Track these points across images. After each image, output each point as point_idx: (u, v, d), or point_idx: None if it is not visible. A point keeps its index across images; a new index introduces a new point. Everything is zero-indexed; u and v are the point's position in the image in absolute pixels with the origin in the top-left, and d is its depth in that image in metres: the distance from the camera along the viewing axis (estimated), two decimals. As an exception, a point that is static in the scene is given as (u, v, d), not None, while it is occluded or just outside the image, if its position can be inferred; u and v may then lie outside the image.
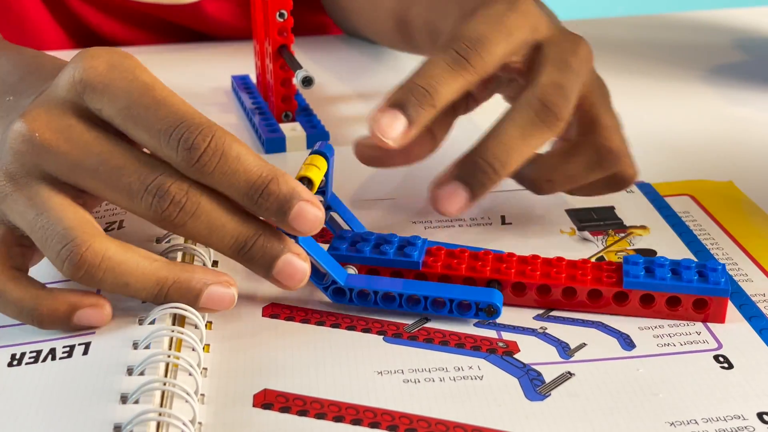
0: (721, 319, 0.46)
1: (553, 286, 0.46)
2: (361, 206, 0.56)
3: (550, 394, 0.41)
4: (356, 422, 0.40)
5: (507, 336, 0.45)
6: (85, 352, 0.42)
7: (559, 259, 0.48)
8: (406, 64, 0.75)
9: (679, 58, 0.81)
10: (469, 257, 0.48)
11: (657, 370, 0.43)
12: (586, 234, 0.54)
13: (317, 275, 0.46)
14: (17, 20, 0.83)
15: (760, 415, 0.40)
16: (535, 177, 0.52)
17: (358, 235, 0.49)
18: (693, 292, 0.46)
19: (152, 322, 0.43)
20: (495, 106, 0.54)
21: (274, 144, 0.63)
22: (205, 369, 0.43)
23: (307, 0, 0.88)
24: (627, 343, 0.45)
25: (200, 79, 0.76)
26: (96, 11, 0.85)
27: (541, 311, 0.47)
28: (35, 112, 0.43)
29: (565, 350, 0.44)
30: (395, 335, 0.45)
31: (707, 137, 0.67)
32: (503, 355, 0.44)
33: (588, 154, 0.51)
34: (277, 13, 0.62)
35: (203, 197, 0.42)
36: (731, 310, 0.47)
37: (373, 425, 0.40)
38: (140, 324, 0.44)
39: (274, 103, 0.65)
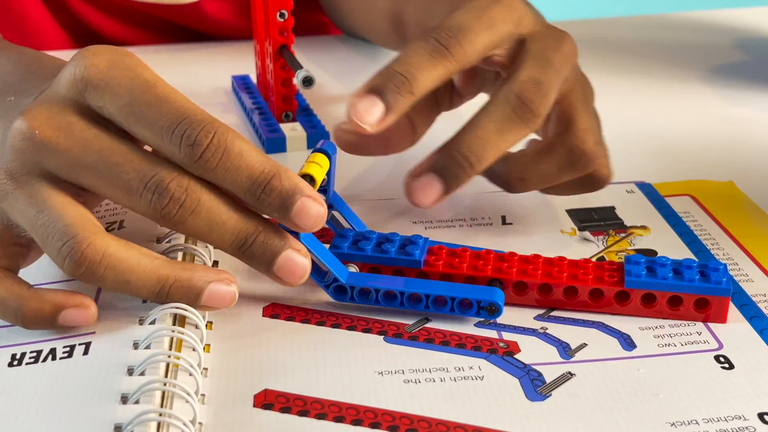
0: (722, 319, 0.46)
1: (554, 285, 0.46)
2: (363, 205, 0.56)
3: (550, 395, 0.41)
4: (357, 422, 0.40)
5: (508, 336, 0.45)
6: (86, 352, 0.42)
7: (561, 259, 0.48)
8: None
9: (679, 58, 0.81)
10: (471, 256, 0.48)
11: (658, 370, 0.43)
12: (587, 234, 0.54)
13: (319, 273, 0.46)
14: (17, 20, 0.83)
15: (761, 416, 0.40)
16: (509, 175, 0.52)
17: (360, 234, 0.49)
18: (695, 291, 0.45)
19: (153, 322, 0.43)
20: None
21: (275, 144, 0.63)
22: (206, 369, 0.42)
23: (307, 0, 0.88)
24: (628, 343, 0.45)
25: (200, 79, 0.76)
26: (96, 11, 0.84)
27: (541, 311, 0.47)
28: (36, 110, 0.43)
29: (566, 350, 0.44)
30: (396, 335, 0.45)
31: (707, 137, 0.67)
32: (504, 355, 0.44)
33: (561, 154, 0.51)
34: (278, 13, 0.62)
35: (203, 194, 0.42)
36: (732, 310, 0.47)
37: (373, 425, 0.40)
38: (141, 324, 0.44)
39: (274, 103, 0.65)
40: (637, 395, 0.41)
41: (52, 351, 0.43)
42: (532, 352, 0.44)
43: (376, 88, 0.48)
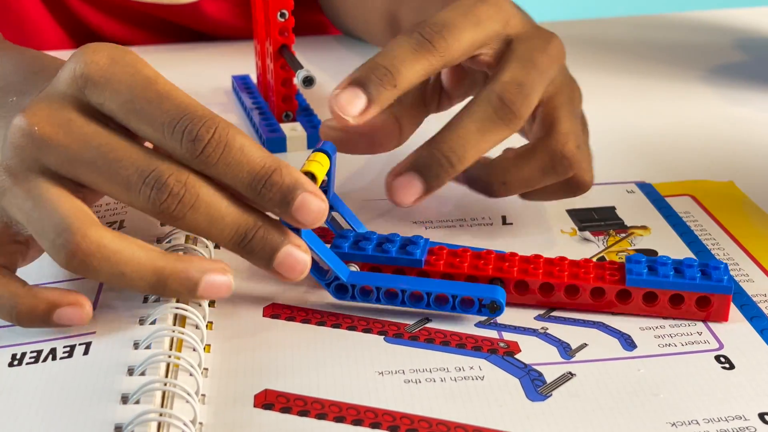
0: (724, 317, 0.46)
1: (556, 284, 0.46)
2: (363, 206, 0.56)
3: (551, 395, 0.41)
4: (357, 422, 0.40)
5: (508, 336, 0.45)
6: (86, 352, 0.42)
7: (562, 259, 0.48)
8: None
9: (679, 58, 0.81)
10: (472, 256, 0.48)
11: (658, 370, 0.43)
12: (587, 234, 0.54)
13: (319, 271, 0.46)
14: (17, 20, 0.83)
15: (761, 416, 0.40)
16: (489, 179, 0.52)
17: (361, 234, 0.49)
18: (696, 289, 0.45)
19: (153, 322, 0.43)
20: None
21: (275, 144, 0.63)
22: (206, 369, 0.42)
23: (307, 0, 0.88)
24: (628, 343, 0.45)
25: (200, 79, 0.76)
26: (96, 11, 0.85)
27: (542, 311, 0.47)
28: (36, 107, 0.43)
29: (566, 350, 0.44)
30: (396, 335, 0.45)
31: (707, 137, 0.67)
32: (504, 355, 0.44)
33: (542, 158, 0.51)
34: (279, 13, 0.62)
35: (202, 189, 0.42)
36: (732, 310, 0.47)
37: (374, 425, 0.39)
38: (141, 324, 0.44)
39: (274, 103, 0.65)
40: (637, 395, 0.41)
41: (53, 351, 0.43)
42: (532, 352, 0.44)
43: (358, 80, 0.48)
